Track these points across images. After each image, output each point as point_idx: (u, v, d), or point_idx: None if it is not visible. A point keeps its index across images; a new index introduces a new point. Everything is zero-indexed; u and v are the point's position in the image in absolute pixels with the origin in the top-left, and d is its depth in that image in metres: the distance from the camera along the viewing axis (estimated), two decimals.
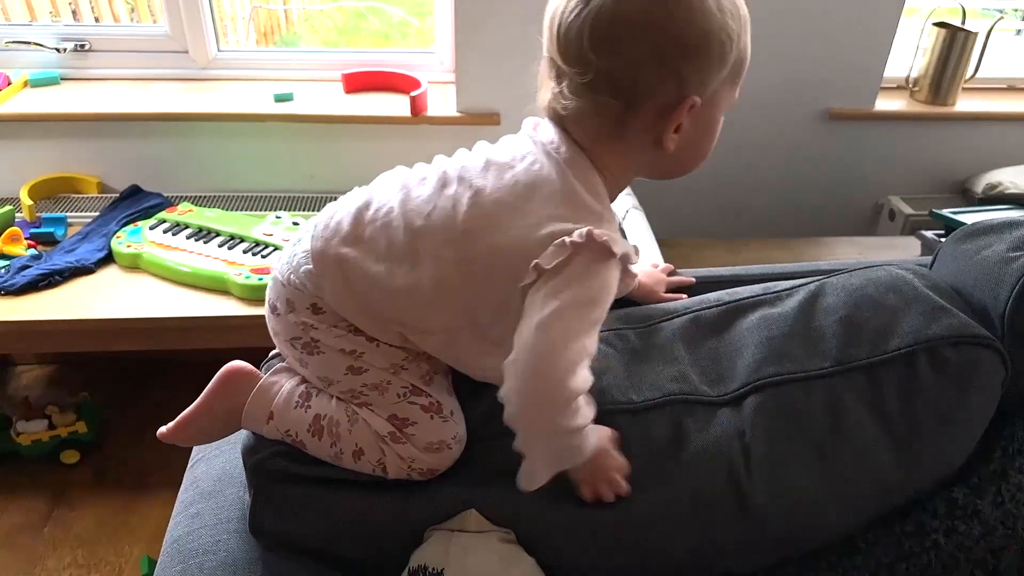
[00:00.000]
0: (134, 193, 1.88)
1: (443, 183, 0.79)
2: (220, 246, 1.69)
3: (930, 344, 0.89)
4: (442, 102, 1.94)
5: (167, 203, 1.85)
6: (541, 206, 0.75)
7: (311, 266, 0.80)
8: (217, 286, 1.61)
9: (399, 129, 1.93)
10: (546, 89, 0.79)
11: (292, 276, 0.81)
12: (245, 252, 1.67)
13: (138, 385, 2.05)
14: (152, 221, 1.76)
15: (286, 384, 0.86)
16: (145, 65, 2.00)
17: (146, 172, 1.94)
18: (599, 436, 0.82)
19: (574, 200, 0.76)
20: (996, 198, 1.61)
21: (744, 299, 1.00)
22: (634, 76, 0.72)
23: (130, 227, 1.75)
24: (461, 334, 0.81)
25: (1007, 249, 0.97)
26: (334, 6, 3.93)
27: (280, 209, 1.90)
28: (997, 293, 0.95)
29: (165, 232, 1.73)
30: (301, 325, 0.81)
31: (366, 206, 0.81)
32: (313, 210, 1.93)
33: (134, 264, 1.68)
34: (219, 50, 2.02)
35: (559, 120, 0.78)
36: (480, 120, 1.91)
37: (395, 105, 1.92)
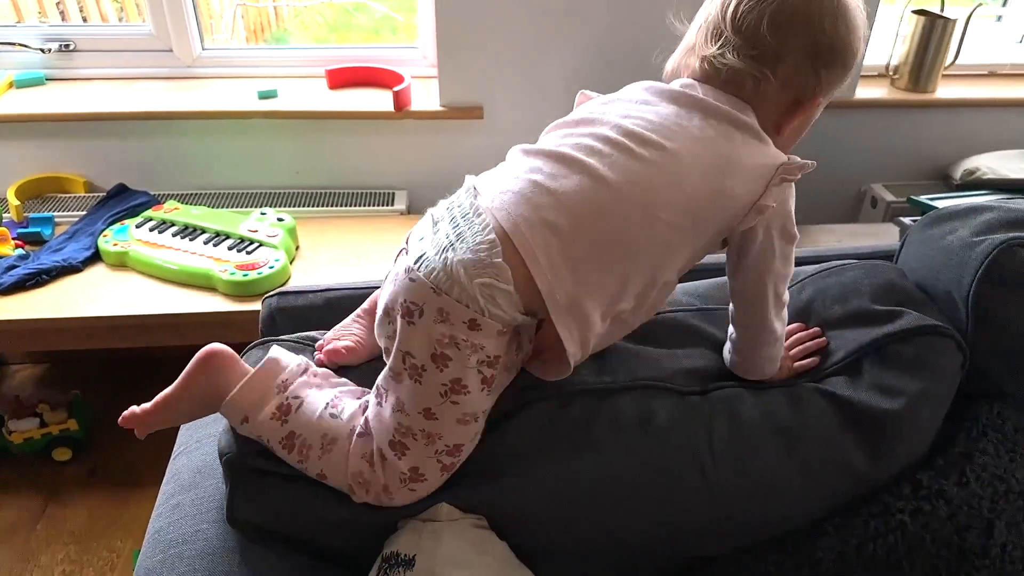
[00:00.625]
0: (120, 192, 1.89)
1: (632, 150, 0.82)
2: (206, 243, 1.71)
3: (877, 344, 0.94)
4: (425, 96, 1.95)
5: (153, 201, 1.87)
6: (743, 150, 0.84)
7: (500, 261, 0.76)
8: (203, 283, 1.63)
9: (383, 124, 1.94)
10: (697, 52, 0.89)
11: (455, 287, 0.77)
12: (231, 249, 1.69)
13: (129, 383, 2.07)
14: (138, 219, 1.77)
15: (271, 388, 0.87)
16: (130, 64, 2.00)
17: (132, 171, 1.95)
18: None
19: (758, 136, 0.85)
20: (973, 184, 1.62)
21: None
22: (791, 62, 0.84)
23: (117, 226, 1.76)
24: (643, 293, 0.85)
25: (970, 234, 0.99)
26: (322, 2, 3.93)
27: (265, 205, 1.92)
28: (961, 277, 0.97)
29: (151, 230, 1.74)
30: (448, 339, 0.78)
31: (544, 186, 0.80)
32: (298, 206, 1.94)
33: (121, 262, 1.69)
34: (203, 48, 2.03)
35: (708, 78, 0.88)
36: (463, 114, 1.92)
37: (379, 100, 1.93)
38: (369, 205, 1.97)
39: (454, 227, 0.80)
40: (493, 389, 0.84)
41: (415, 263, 0.80)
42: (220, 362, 0.87)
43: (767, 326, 0.91)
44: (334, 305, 1.05)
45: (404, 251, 0.85)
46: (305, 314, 1.05)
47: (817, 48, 0.84)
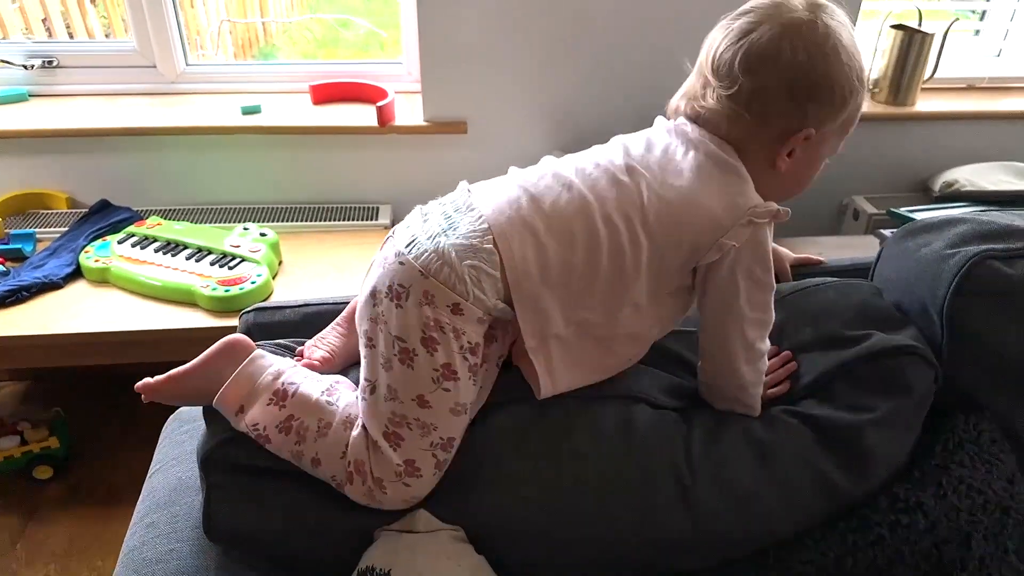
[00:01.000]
0: (103, 208, 1.89)
1: (613, 174, 0.88)
2: (188, 259, 1.70)
3: (847, 367, 0.95)
4: (410, 111, 1.96)
5: (136, 217, 1.86)
6: (715, 186, 0.86)
7: (490, 247, 0.82)
8: (185, 298, 1.62)
9: (367, 139, 1.95)
10: (689, 96, 0.93)
11: (444, 268, 0.81)
12: (212, 264, 1.68)
13: (111, 400, 2.05)
14: (120, 235, 1.77)
15: (266, 377, 0.88)
16: (114, 80, 2.00)
17: (115, 187, 1.95)
18: None
19: (734, 175, 0.87)
20: (952, 196, 1.63)
21: None
22: (767, 99, 0.86)
23: (98, 242, 1.75)
24: (618, 319, 0.89)
25: (944, 247, 1.00)
26: (305, 18, 3.94)
27: (249, 221, 1.91)
28: (935, 290, 0.98)
29: (133, 246, 1.74)
30: (432, 322, 0.82)
31: (535, 197, 0.87)
32: (282, 221, 1.94)
33: (102, 278, 1.68)
34: (187, 64, 2.03)
35: (696, 120, 0.91)
36: (447, 128, 1.93)
37: (363, 115, 1.93)
38: (353, 220, 1.97)
39: (446, 218, 0.86)
40: (478, 380, 0.87)
41: (406, 247, 0.84)
42: (240, 355, 0.89)
43: (732, 370, 0.92)
44: (311, 320, 1.05)
45: (390, 238, 0.89)
46: (282, 330, 1.05)
47: (794, 83, 0.85)
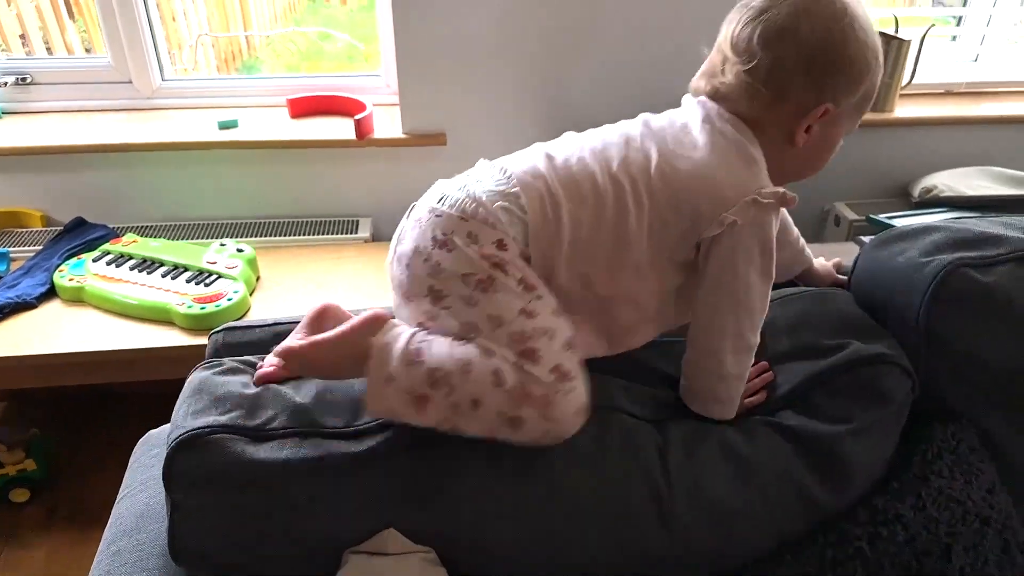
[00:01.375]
0: (78, 226, 1.87)
1: (627, 140, 0.92)
2: (164, 276, 1.68)
3: (823, 376, 0.94)
4: (389, 123, 1.95)
5: (112, 234, 1.84)
6: (726, 163, 0.88)
7: (518, 191, 0.87)
8: (160, 317, 1.60)
9: (345, 152, 1.93)
10: (708, 74, 0.94)
11: (480, 209, 0.86)
12: (188, 281, 1.66)
13: (90, 420, 2.03)
14: (96, 253, 1.75)
15: (400, 342, 0.84)
16: (89, 97, 1.99)
17: (91, 204, 1.93)
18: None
19: (746, 155, 0.89)
20: (931, 202, 1.63)
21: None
22: (785, 74, 0.87)
23: (73, 260, 1.73)
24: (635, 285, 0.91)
25: (919, 255, 0.99)
26: (287, 31, 3.94)
27: (227, 236, 1.90)
28: (911, 298, 0.97)
29: (108, 264, 1.72)
30: (485, 258, 0.84)
31: (551, 156, 0.92)
32: (261, 236, 1.92)
33: (77, 297, 1.66)
34: (163, 80, 2.02)
35: (715, 97, 0.93)
36: (426, 141, 1.92)
37: (341, 128, 1.92)
38: (333, 233, 1.95)
39: (475, 178, 0.91)
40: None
41: (438, 202, 0.89)
42: (378, 327, 0.86)
43: (716, 355, 0.91)
44: (282, 339, 1.03)
45: (412, 209, 0.93)
46: (253, 349, 1.03)
47: (811, 58, 0.87)
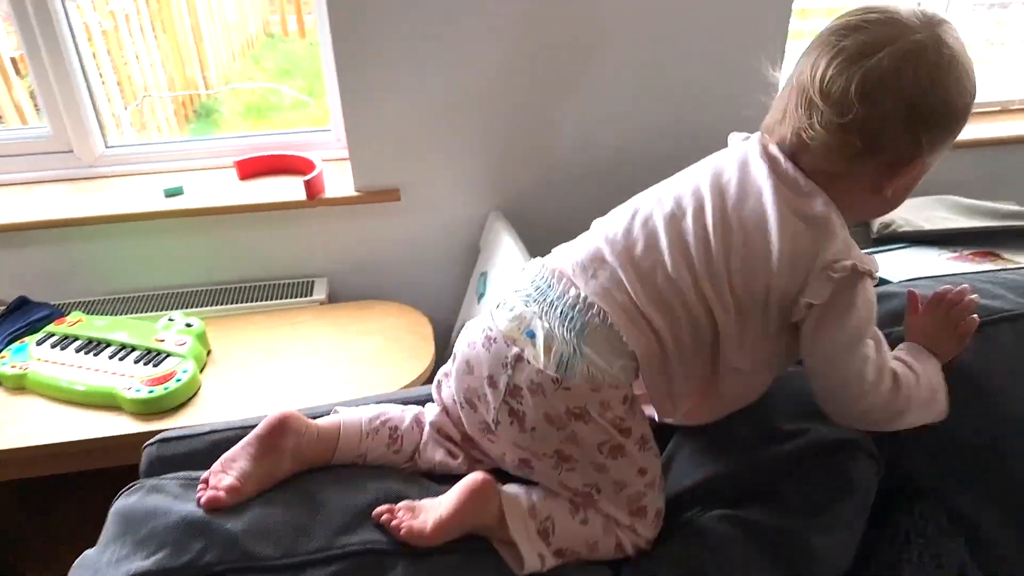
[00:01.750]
0: (21, 305, 1.80)
1: (704, 237, 0.85)
2: (111, 357, 1.62)
3: (787, 466, 0.91)
4: (341, 181, 1.90)
5: (56, 314, 1.77)
6: (798, 236, 0.81)
7: (619, 332, 0.82)
8: (108, 402, 1.54)
9: (297, 213, 1.88)
10: (788, 119, 0.86)
11: (605, 377, 0.83)
12: (137, 362, 1.60)
13: (48, 506, 1.95)
14: (39, 336, 1.68)
15: (520, 505, 0.89)
16: (29, 168, 1.92)
17: (34, 282, 1.86)
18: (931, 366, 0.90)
19: (825, 226, 0.82)
20: (889, 237, 1.61)
21: None
22: (883, 128, 0.80)
23: (15, 345, 1.66)
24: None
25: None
26: (234, 87, 3.89)
27: (179, 306, 1.84)
28: None
29: (53, 347, 1.65)
30: (615, 425, 0.85)
31: (626, 266, 0.86)
32: (213, 304, 1.86)
33: (19, 385, 1.59)
34: (107, 147, 1.96)
35: (795, 145, 0.85)
36: (379, 197, 1.87)
37: (291, 189, 1.87)
38: (288, 297, 1.90)
39: (561, 316, 0.85)
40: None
41: (555, 369, 0.83)
42: (488, 494, 0.87)
43: (873, 412, 0.85)
44: (220, 448, 0.97)
45: (486, 331, 0.89)
46: (188, 462, 0.98)
47: (914, 113, 0.79)
